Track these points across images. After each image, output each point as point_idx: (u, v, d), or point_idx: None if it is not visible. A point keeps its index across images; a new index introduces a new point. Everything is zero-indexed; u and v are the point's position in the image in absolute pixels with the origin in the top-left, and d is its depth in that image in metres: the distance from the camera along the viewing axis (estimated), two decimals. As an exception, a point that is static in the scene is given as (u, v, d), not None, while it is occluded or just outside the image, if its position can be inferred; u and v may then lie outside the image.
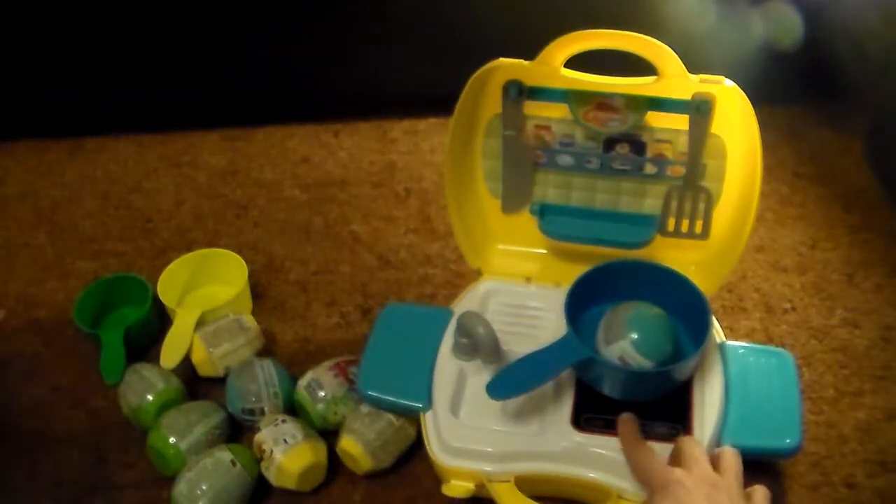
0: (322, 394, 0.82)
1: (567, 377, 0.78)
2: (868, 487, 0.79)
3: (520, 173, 0.86)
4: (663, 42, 0.74)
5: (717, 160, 0.80)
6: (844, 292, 0.97)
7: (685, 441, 0.69)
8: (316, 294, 1.01)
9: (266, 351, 0.91)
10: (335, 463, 0.80)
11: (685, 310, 0.79)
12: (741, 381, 0.78)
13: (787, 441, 0.74)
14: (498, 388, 0.75)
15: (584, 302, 0.80)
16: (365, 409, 0.80)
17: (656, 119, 0.79)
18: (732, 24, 1.12)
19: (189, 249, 1.01)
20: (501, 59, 0.78)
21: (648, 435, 0.73)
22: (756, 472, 0.78)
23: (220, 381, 0.87)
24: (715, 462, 0.67)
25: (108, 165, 1.23)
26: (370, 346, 0.84)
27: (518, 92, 0.79)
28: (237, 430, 0.85)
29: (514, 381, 0.75)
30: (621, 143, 0.81)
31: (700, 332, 0.76)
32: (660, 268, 0.81)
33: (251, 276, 0.97)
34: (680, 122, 0.79)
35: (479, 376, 0.80)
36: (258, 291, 1.00)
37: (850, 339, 0.92)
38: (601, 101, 0.79)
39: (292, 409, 0.84)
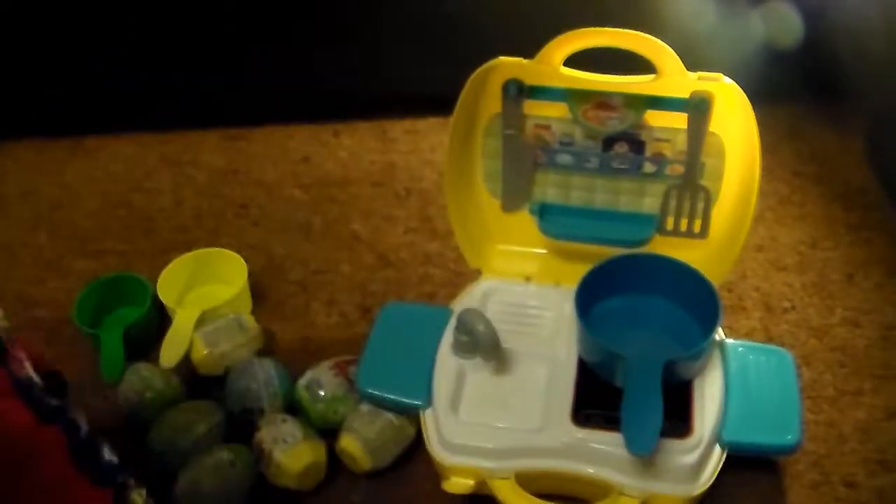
0: (322, 393, 0.82)
1: (567, 373, 0.78)
2: (868, 486, 0.79)
3: (519, 173, 0.86)
4: (662, 41, 0.74)
5: (716, 159, 0.80)
6: (844, 291, 0.97)
7: None
8: (316, 293, 1.01)
9: (266, 350, 0.91)
10: (335, 462, 0.80)
11: (694, 301, 0.79)
12: (741, 379, 0.78)
13: (788, 437, 0.74)
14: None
15: (593, 297, 0.80)
16: (365, 408, 0.80)
17: (655, 118, 0.79)
18: (732, 24, 1.12)
19: (189, 249, 1.01)
20: (501, 58, 0.78)
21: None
22: (756, 470, 0.79)
23: (219, 381, 0.87)
24: None
25: (108, 165, 1.23)
26: (370, 344, 0.84)
27: (518, 91, 0.79)
28: (237, 430, 0.85)
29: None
30: (620, 142, 0.81)
31: (708, 324, 0.76)
32: (668, 260, 0.81)
33: (251, 275, 0.97)
34: (679, 120, 0.79)
35: (478, 374, 0.80)
36: (258, 291, 1.00)
37: (849, 339, 0.92)
38: (600, 100, 0.79)
39: (292, 408, 0.84)
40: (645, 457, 0.70)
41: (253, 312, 0.97)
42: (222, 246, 1.01)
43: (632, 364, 0.73)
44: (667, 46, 0.74)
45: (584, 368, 0.79)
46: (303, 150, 1.23)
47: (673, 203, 0.84)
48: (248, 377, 0.84)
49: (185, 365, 0.88)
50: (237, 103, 1.25)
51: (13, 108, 1.22)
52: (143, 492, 0.66)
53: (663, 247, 0.85)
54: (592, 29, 0.74)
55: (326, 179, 1.18)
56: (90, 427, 0.64)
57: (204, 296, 0.99)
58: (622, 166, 0.83)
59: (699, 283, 0.78)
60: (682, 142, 0.80)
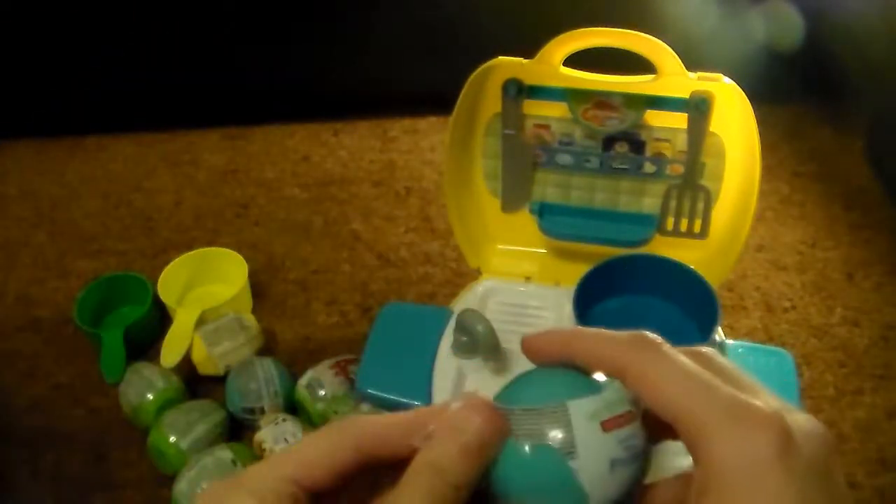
0: (322, 393, 0.82)
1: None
2: (868, 486, 0.79)
3: (519, 172, 0.86)
4: (662, 41, 0.74)
5: (716, 159, 0.80)
6: (844, 291, 0.97)
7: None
8: (316, 293, 1.01)
9: (266, 350, 0.91)
10: (335, 462, 0.80)
11: (693, 303, 0.79)
12: (741, 380, 0.78)
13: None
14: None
15: (592, 298, 0.80)
16: (365, 408, 0.80)
17: (655, 118, 0.79)
18: (732, 24, 1.12)
19: (189, 248, 1.01)
20: (500, 58, 0.78)
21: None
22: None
23: (220, 380, 0.87)
24: None
25: (108, 164, 1.23)
26: (369, 345, 0.84)
27: (517, 90, 0.79)
28: (237, 429, 0.85)
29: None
30: (620, 142, 0.81)
31: (707, 326, 0.76)
32: (667, 261, 0.81)
33: (251, 274, 0.97)
34: (679, 120, 0.78)
35: (478, 374, 0.80)
36: (258, 290, 1.00)
37: (850, 338, 0.92)
38: (600, 100, 0.79)
39: (292, 407, 0.84)
40: None
41: (253, 312, 0.97)
42: (222, 245, 1.01)
43: None
44: (666, 46, 0.74)
45: (583, 368, 0.79)
46: (303, 149, 1.23)
47: (673, 203, 0.84)
48: (248, 376, 0.84)
49: (186, 365, 0.88)
50: (237, 103, 1.25)
51: (13, 108, 1.22)
52: None
53: (663, 247, 0.85)
54: (592, 29, 0.74)
55: (326, 179, 1.18)
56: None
57: (204, 295, 0.99)
58: (622, 166, 0.83)
59: (698, 285, 0.78)
60: (682, 142, 0.80)
